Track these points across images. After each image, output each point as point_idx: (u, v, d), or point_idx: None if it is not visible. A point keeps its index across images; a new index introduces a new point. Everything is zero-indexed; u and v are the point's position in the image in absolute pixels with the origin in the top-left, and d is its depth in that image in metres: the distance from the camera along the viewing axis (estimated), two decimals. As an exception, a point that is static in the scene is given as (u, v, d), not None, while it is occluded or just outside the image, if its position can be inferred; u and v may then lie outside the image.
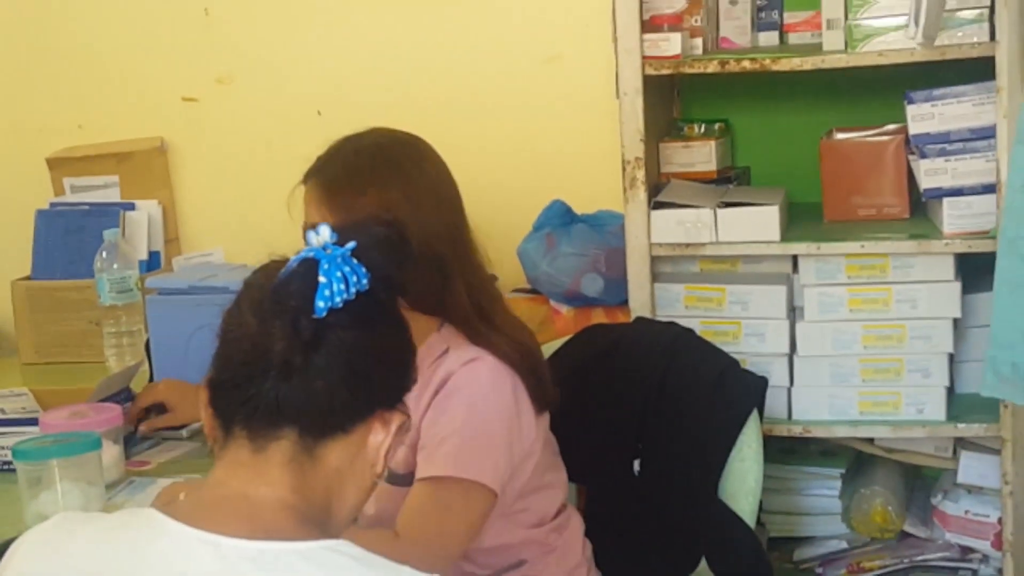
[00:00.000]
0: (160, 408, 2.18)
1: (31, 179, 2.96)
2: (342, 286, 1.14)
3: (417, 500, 1.71)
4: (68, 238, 2.84)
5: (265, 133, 2.97)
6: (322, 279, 1.14)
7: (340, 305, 1.14)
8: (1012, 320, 1.91)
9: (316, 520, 1.18)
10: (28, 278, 2.83)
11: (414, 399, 1.75)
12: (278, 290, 1.16)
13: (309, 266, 1.15)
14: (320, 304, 1.14)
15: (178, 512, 1.15)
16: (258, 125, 2.98)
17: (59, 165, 2.94)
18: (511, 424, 1.74)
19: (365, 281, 1.16)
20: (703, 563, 2.01)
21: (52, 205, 2.91)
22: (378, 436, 1.21)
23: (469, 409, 1.72)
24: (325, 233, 1.17)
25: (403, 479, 1.77)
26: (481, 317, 1.78)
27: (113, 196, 2.94)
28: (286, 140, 2.96)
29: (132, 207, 2.89)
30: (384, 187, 1.75)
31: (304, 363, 1.15)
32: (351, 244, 1.17)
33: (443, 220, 1.78)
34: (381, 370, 1.21)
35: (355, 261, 1.16)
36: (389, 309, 1.23)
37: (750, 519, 2.02)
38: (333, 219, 1.71)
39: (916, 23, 1.98)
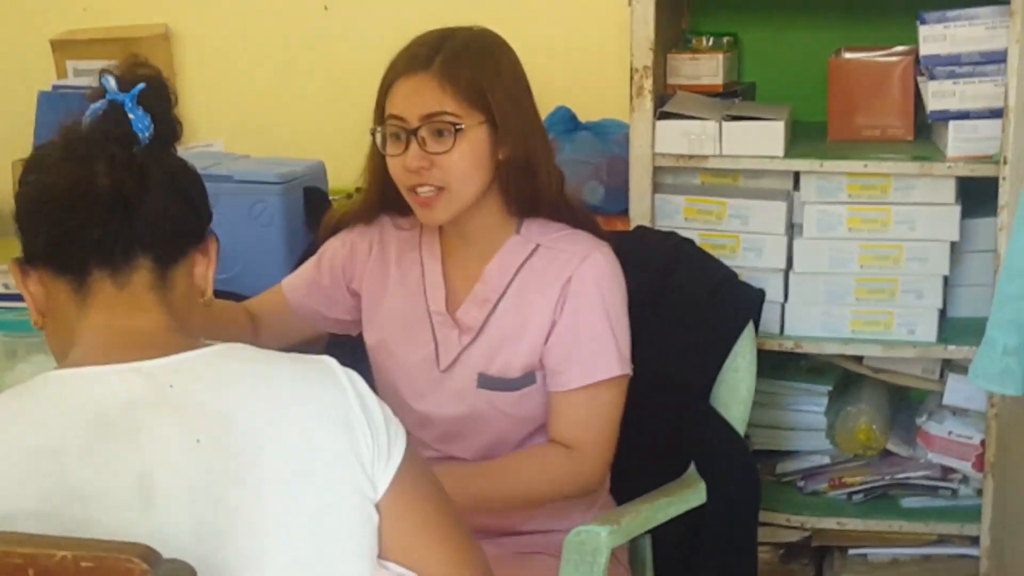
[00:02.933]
0: None
1: (34, 60, 2.92)
2: (147, 122, 1.21)
3: (582, 409, 1.76)
4: (70, 122, 2.82)
5: (271, 25, 2.93)
6: (131, 116, 1.21)
7: (148, 140, 1.21)
8: None
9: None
10: (29, 159, 2.81)
11: (514, 298, 1.77)
12: (94, 133, 1.21)
13: (116, 107, 1.22)
14: (141, 135, 1.21)
15: (77, 360, 1.20)
16: (264, 17, 2.94)
17: (63, 47, 2.89)
18: (627, 305, 1.81)
19: (150, 124, 1.22)
20: (692, 468, 2.01)
21: (54, 87, 2.84)
22: (201, 265, 1.28)
23: (604, 306, 1.77)
24: (112, 81, 1.23)
25: (514, 383, 1.79)
26: (566, 203, 1.80)
27: (116, 81, 2.92)
28: (292, 34, 2.93)
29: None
30: (494, 73, 1.73)
31: (141, 191, 1.20)
32: (140, 86, 1.22)
33: (532, 108, 1.79)
34: (199, 194, 1.27)
35: (139, 107, 1.22)
36: (174, 151, 1.28)
37: (740, 427, 2.02)
38: (455, 106, 1.69)
39: None
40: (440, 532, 1.26)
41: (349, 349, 1.96)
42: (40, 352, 1.80)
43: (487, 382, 1.79)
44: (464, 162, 1.70)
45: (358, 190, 2.72)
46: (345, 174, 2.32)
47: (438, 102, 1.69)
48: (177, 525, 1.12)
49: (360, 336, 1.97)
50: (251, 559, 1.14)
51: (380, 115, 1.75)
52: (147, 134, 1.21)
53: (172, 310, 1.24)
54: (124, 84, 1.23)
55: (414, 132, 1.70)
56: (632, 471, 1.96)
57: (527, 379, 1.78)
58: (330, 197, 2.43)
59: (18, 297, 2.19)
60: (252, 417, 1.17)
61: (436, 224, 1.79)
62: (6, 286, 2.25)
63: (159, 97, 1.25)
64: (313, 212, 2.31)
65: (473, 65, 1.72)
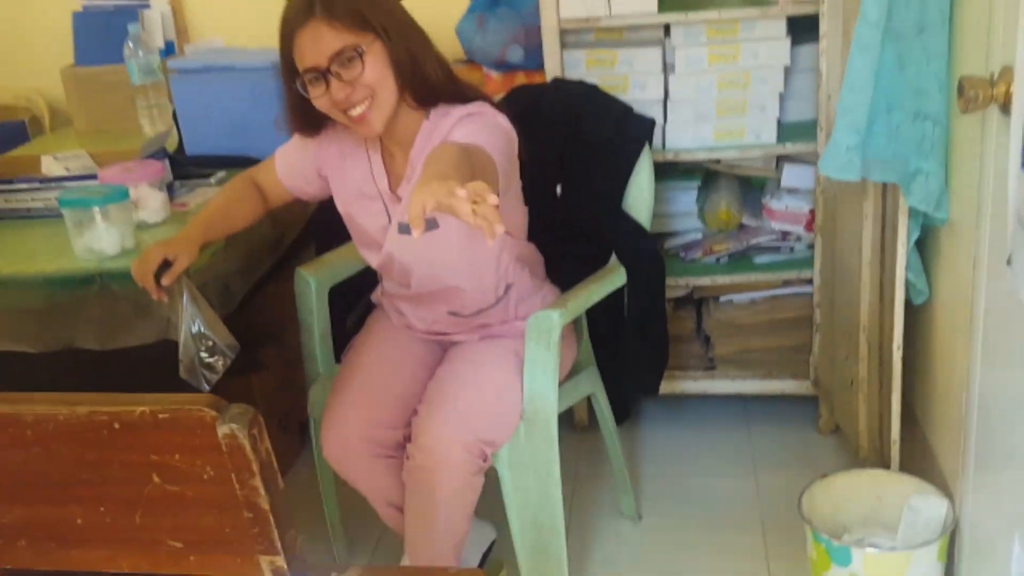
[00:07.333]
0: (167, 264, 1.56)
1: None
2: None
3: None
4: (100, 33, 2.50)
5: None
6: None
7: None
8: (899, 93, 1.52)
9: None
10: (73, 66, 2.50)
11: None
12: None
13: None
14: None
15: None
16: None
17: (83, -27, 2.55)
18: (510, 137, 1.58)
19: None
20: (613, 258, 1.88)
21: (84, 8, 2.56)
22: None
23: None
24: None
25: (431, 223, 1.56)
26: (457, 87, 1.56)
27: (131, -2, 2.58)
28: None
29: (147, 6, 2.55)
30: (373, 11, 1.47)
31: None
32: None
33: (405, 13, 1.53)
34: None
35: None
36: None
37: (647, 224, 1.88)
38: (349, 36, 1.45)
39: None
40: None
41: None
42: (104, 221, 1.63)
43: (404, 228, 1.58)
44: (375, 72, 1.48)
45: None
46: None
47: (336, 39, 1.44)
48: None
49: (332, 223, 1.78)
50: None
51: (291, 70, 1.50)
52: None
53: None
54: None
55: (327, 71, 1.46)
56: (569, 266, 1.82)
57: (432, 224, 1.52)
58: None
59: (94, 177, 1.96)
60: None
61: (374, 135, 1.54)
62: (67, 169, 1.99)
63: None
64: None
65: (354, 5, 1.46)
